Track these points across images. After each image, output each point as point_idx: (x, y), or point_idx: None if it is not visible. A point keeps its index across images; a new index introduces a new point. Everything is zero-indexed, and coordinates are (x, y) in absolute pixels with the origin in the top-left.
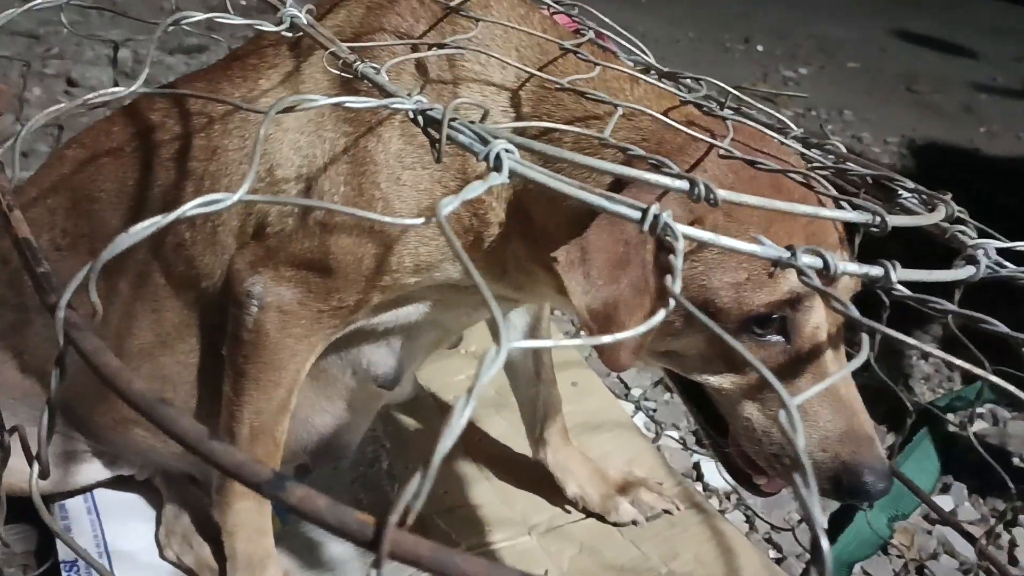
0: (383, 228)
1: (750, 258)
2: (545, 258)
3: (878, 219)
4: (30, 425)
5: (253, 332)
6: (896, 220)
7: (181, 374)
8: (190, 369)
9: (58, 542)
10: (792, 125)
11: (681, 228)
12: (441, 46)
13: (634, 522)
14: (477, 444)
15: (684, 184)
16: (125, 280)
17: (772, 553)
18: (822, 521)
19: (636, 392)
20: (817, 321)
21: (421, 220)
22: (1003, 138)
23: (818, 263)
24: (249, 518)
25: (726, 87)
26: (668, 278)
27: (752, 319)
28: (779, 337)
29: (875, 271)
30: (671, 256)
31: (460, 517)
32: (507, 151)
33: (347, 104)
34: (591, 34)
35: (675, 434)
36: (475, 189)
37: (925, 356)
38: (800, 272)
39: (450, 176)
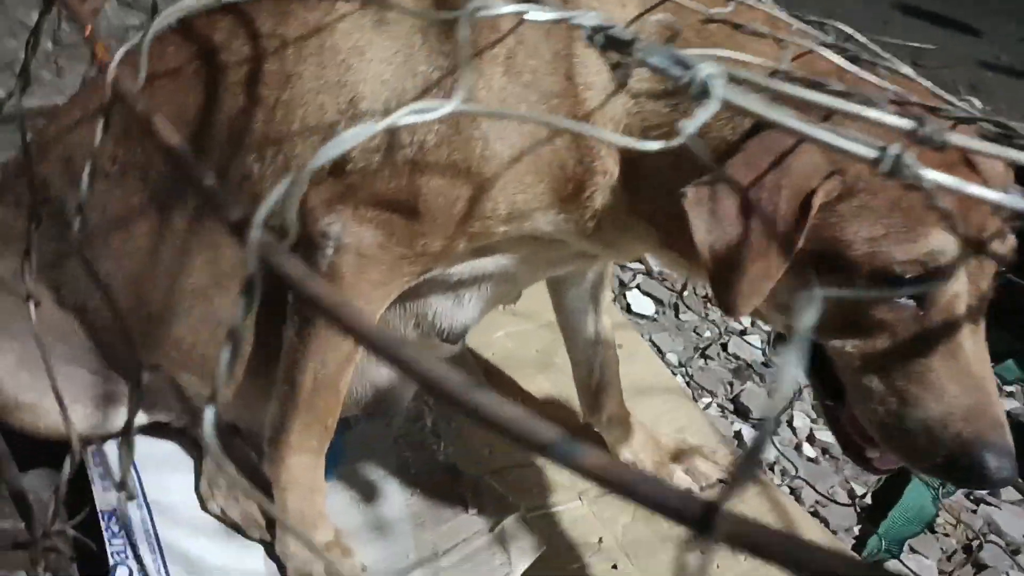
0: (481, 170)
1: (890, 213)
2: (649, 211)
3: None
4: (64, 364)
5: (326, 276)
6: None
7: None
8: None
9: (95, 489)
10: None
11: (931, 172)
12: None
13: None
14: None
15: (908, 123)
16: (181, 214)
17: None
18: None
19: (672, 357)
20: (957, 290)
21: (668, 143)
22: (1009, 116)
23: None
24: (303, 475)
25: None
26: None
27: (885, 276)
28: (912, 302)
29: None
30: (847, 222)
31: (509, 479)
32: (714, 76)
33: (527, 15)
34: None
35: (713, 401)
36: (703, 115)
37: None
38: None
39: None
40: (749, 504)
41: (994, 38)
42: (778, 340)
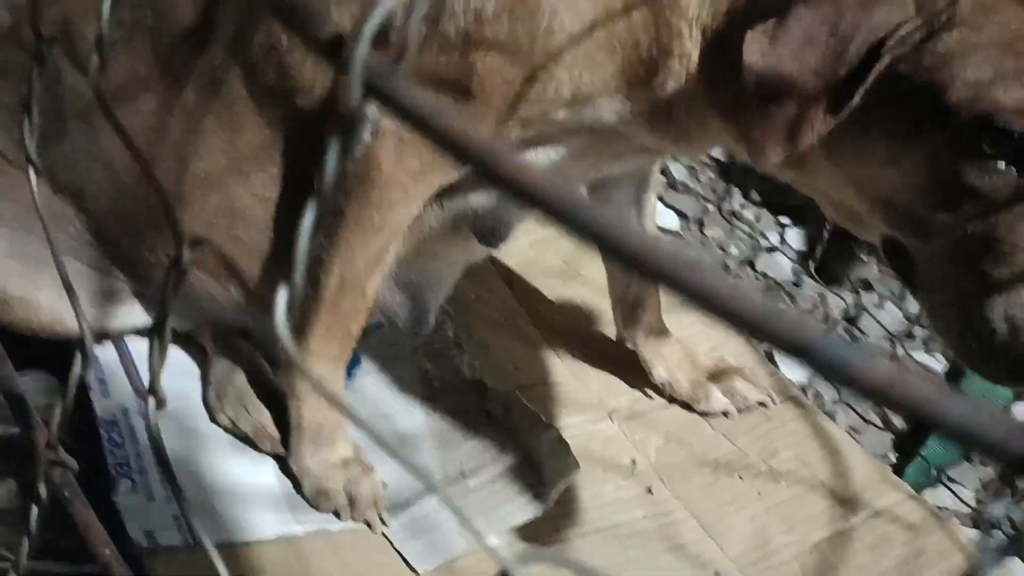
0: (545, 45)
1: (1002, 54)
2: (732, 101)
3: None
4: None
5: (362, 162)
6: None
7: (256, 209)
8: (266, 205)
9: (93, 397)
10: None
11: None
12: None
13: (725, 413)
14: (543, 315)
15: None
16: (194, 86)
17: None
18: None
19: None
20: None
21: None
22: None
23: None
24: (323, 383)
25: None
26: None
27: (988, 126)
28: (1012, 168)
29: None
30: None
31: (535, 395)
32: None
33: None
34: None
35: None
36: None
37: None
38: None
39: None
40: (789, 427)
41: None
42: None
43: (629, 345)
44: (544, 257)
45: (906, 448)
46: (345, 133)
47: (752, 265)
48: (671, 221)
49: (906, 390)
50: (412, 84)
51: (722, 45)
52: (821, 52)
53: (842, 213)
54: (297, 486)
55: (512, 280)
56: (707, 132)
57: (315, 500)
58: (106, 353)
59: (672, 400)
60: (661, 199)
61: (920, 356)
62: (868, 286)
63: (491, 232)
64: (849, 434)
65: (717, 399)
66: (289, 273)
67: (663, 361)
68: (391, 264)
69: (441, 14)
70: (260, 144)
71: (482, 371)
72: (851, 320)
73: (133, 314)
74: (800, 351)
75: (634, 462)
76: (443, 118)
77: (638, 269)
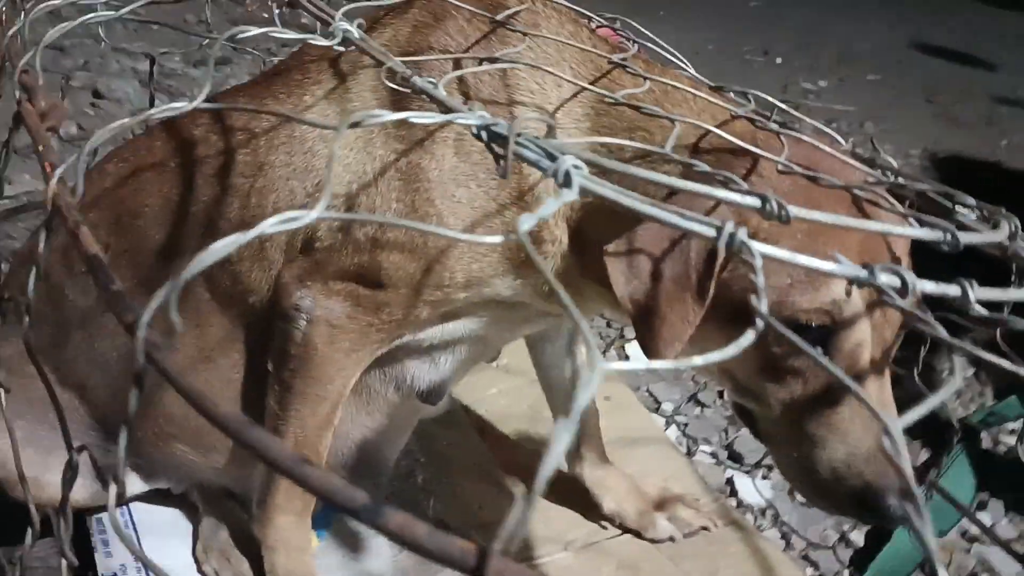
0: (436, 243)
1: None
2: (600, 271)
3: (949, 236)
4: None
5: (301, 346)
6: (967, 237)
7: (224, 389)
8: (233, 384)
9: (97, 557)
10: (841, 140)
11: (757, 246)
12: (495, 61)
13: (671, 539)
14: (510, 456)
15: (755, 200)
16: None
17: (810, 571)
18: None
19: (668, 406)
20: (860, 338)
21: (499, 238)
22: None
23: (896, 281)
24: (290, 534)
25: (772, 100)
26: (753, 298)
27: (791, 325)
28: (819, 347)
29: (952, 290)
30: (750, 275)
31: (496, 532)
32: (576, 167)
33: (411, 119)
34: (635, 48)
35: (708, 449)
36: (552, 205)
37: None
38: (880, 291)
39: (505, 193)
40: (731, 549)
41: (1010, 72)
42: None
43: (580, 479)
44: (512, 405)
45: (860, 565)
46: (279, 327)
47: (721, 395)
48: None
49: (409, 533)
50: (167, 355)
51: (583, 229)
52: (671, 263)
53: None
54: None
55: (483, 426)
56: (590, 299)
57: None
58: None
59: (624, 530)
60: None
61: None
62: None
63: (429, 393)
64: (807, 553)
65: (663, 526)
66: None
67: (610, 493)
68: (344, 426)
69: (352, 225)
70: (224, 336)
71: (447, 512)
72: None
73: (131, 483)
74: (352, 512)
75: None
76: (180, 380)
77: (264, 462)
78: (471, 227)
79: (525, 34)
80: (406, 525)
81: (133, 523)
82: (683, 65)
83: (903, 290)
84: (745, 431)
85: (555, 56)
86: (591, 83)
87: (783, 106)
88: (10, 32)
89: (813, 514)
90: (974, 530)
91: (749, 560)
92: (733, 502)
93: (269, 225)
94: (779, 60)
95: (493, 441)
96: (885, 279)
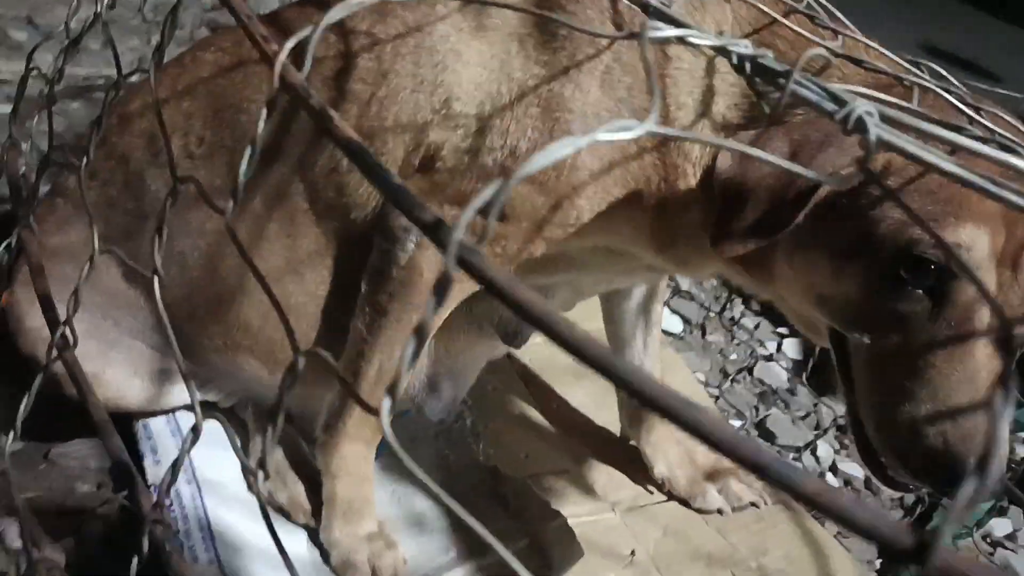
0: (569, 179)
1: (924, 199)
2: None
3: None
4: (128, 337)
5: (405, 269)
6: None
7: (307, 305)
8: (317, 301)
9: (147, 463)
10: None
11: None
12: None
13: (720, 511)
14: (556, 411)
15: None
16: (260, 197)
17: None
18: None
19: (699, 377)
20: (977, 295)
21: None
22: None
23: None
24: (355, 464)
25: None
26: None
27: (907, 255)
28: (927, 299)
29: None
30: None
31: (544, 484)
32: (870, 114)
33: (689, 38)
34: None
35: (738, 424)
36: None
37: None
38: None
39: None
40: (779, 528)
41: (1014, 83)
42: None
43: (632, 442)
44: (558, 355)
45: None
46: (384, 247)
47: (751, 371)
48: (675, 325)
49: (829, 498)
50: (490, 260)
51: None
52: (777, 174)
53: (795, 315)
54: (325, 556)
55: (528, 376)
56: (704, 258)
57: (341, 570)
58: (158, 425)
59: (671, 496)
60: (667, 304)
61: None
62: None
63: (513, 334)
64: (838, 539)
65: (713, 497)
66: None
67: (663, 459)
68: (422, 358)
69: (481, 148)
70: (315, 250)
71: (496, 459)
72: (841, 428)
73: (184, 392)
74: (757, 468)
75: (633, 552)
76: (517, 288)
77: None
78: (607, 167)
79: None
80: (824, 492)
81: (181, 432)
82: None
83: None
84: (775, 410)
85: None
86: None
87: (954, 80)
88: None
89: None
90: (996, 534)
91: (799, 540)
92: None
93: (602, 132)
94: None
95: (536, 391)
96: None
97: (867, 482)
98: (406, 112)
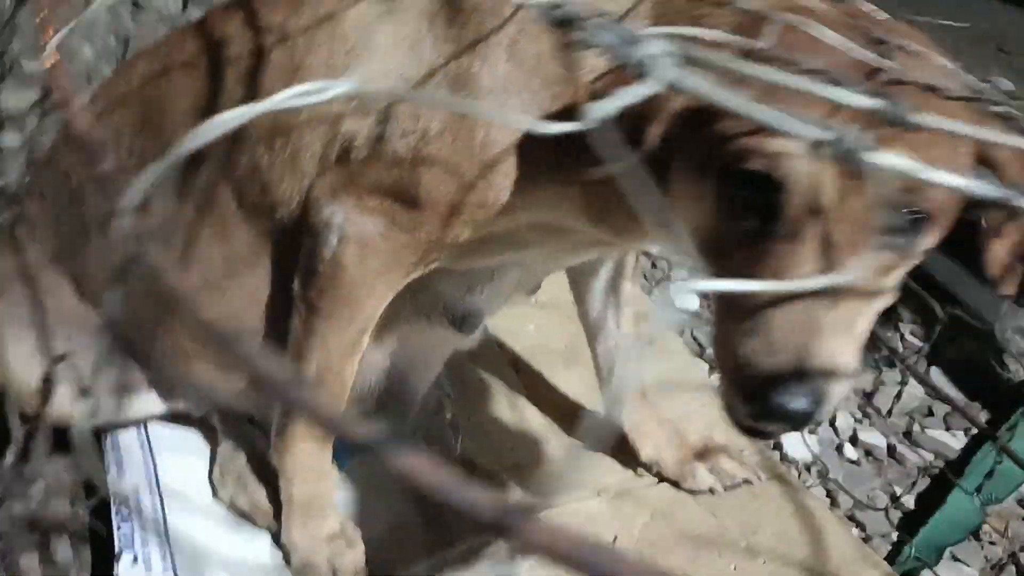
0: (483, 157)
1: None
2: None
3: None
4: (88, 353)
5: (330, 264)
6: None
7: (249, 307)
8: (258, 303)
9: (108, 477)
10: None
11: (884, 157)
12: None
13: (711, 490)
14: (545, 399)
15: (877, 102)
16: (190, 204)
17: (856, 532)
18: None
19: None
20: (810, 198)
21: (566, 125)
22: None
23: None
24: (310, 461)
25: None
26: None
27: (733, 174)
28: (755, 219)
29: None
30: None
31: (527, 475)
32: (654, 56)
33: None
34: None
35: None
36: (633, 93)
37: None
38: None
39: (559, 105)
40: (773, 505)
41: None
42: None
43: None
44: (548, 341)
45: (910, 527)
46: (308, 244)
47: None
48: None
49: (424, 476)
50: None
51: None
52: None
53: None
54: (287, 558)
55: (518, 364)
56: (639, 226)
57: (301, 572)
58: (126, 438)
59: (661, 478)
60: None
61: (938, 433)
62: (891, 363)
63: (461, 320)
64: (852, 513)
65: (703, 477)
66: None
67: (650, 441)
68: (372, 355)
69: (393, 135)
70: (250, 252)
71: (476, 451)
72: (868, 395)
73: (149, 402)
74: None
75: (615, 538)
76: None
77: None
78: (522, 141)
79: None
80: (419, 466)
81: (149, 443)
82: None
83: None
84: None
85: None
86: None
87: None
88: None
89: (863, 472)
90: None
91: (792, 517)
92: (777, 456)
93: (285, 97)
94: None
95: (527, 379)
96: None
97: (891, 451)
98: (320, 105)
